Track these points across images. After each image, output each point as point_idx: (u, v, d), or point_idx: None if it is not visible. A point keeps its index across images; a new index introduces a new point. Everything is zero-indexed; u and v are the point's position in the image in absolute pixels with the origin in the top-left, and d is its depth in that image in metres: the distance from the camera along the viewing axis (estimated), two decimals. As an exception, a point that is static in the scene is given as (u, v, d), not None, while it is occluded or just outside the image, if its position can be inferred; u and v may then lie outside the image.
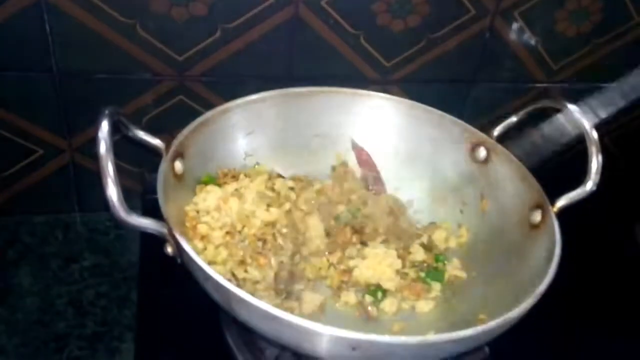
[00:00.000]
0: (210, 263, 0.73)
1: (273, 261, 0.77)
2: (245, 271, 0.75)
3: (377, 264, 0.81)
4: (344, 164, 0.94)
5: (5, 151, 0.92)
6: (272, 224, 0.81)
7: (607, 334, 0.92)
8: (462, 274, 0.84)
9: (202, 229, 0.76)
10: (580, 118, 0.76)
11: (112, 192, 0.58)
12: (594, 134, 0.75)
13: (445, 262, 0.86)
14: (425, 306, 0.80)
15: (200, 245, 0.75)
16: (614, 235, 1.11)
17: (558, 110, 0.80)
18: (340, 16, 0.92)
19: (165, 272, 0.74)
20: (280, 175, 0.90)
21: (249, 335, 0.78)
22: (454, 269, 0.85)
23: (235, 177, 0.84)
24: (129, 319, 0.86)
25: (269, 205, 0.82)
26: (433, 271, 0.84)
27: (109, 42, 0.85)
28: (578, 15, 1.02)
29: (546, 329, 0.87)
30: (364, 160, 0.95)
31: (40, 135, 0.92)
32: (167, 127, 0.79)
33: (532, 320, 0.64)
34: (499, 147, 0.85)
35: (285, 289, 0.77)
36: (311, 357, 0.73)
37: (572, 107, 0.77)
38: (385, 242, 0.86)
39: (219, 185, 0.82)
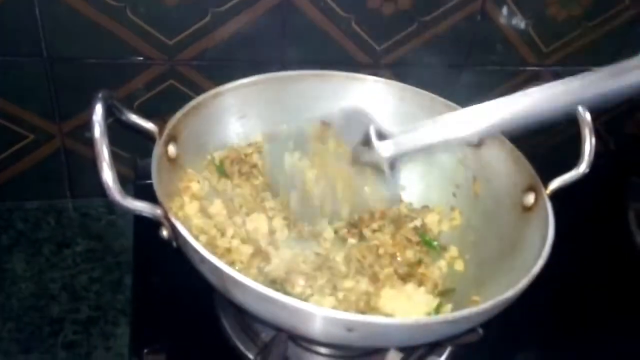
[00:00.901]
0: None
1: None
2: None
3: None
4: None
5: (-4, 136, 0.92)
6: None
7: (600, 317, 0.93)
8: (460, 265, 0.84)
9: (195, 187, 0.77)
10: None
11: (108, 175, 0.58)
12: (587, 116, 0.75)
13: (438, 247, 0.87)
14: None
15: (187, 199, 0.76)
16: (605, 219, 1.12)
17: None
18: (331, -1, 0.92)
19: (159, 256, 0.74)
20: None
21: (245, 318, 0.79)
22: (451, 257, 0.85)
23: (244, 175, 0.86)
24: (123, 303, 0.86)
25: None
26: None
27: (99, 26, 0.85)
28: (569, -2, 1.02)
29: (539, 311, 0.87)
30: None
31: (31, 121, 0.92)
32: (157, 112, 0.79)
33: (526, 302, 0.64)
34: (492, 130, 0.86)
35: None
36: (307, 339, 0.74)
37: None
38: (380, 228, 0.86)
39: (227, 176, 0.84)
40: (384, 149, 0.73)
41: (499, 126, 0.69)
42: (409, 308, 0.74)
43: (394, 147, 0.72)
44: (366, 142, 0.74)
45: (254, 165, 0.87)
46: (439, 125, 0.70)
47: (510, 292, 0.61)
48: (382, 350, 0.78)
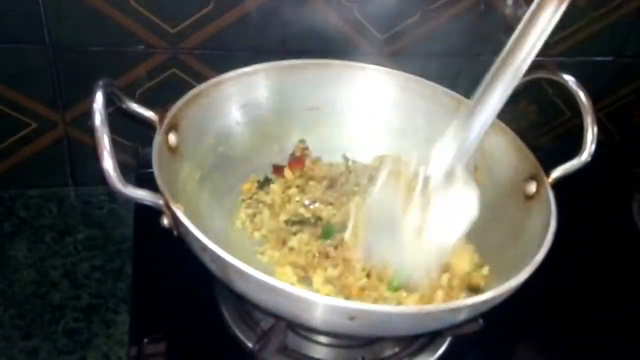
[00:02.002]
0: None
1: None
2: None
3: None
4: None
5: (-2, 124, 0.92)
6: None
7: (602, 307, 0.93)
8: None
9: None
10: (576, 89, 0.76)
11: (108, 164, 0.58)
12: (589, 104, 0.75)
13: None
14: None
15: None
16: (609, 210, 1.12)
17: (552, 82, 0.80)
18: (334, -12, 0.92)
19: (159, 245, 0.74)
20: None
21: (244, 307, 0.79)
22: None
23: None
24: (124, 291, 0.86)
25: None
26: None
27: (102, 14, 0.85)
28: (574, -13, 1.01)
29: (539, 301, 0.86)
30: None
31: (34, 109, 0.91)
32: (159, 101, 0.78)
33: (526, 292, 0.64)
34: (495, 119, 0.85)
35: None
36: (306, 328, 0.74)
37: (568, 78, 0.77)
38: None
39: None
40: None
41: None
42: None
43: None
44: None
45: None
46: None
47: (514, 281, 0.61)
48: (381, 340, 0.78)
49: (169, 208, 0.63)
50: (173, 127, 0.75)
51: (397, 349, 0.78)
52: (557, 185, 0.75)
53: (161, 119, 0.73)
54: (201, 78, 0.89)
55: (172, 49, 0.91)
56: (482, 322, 0.73)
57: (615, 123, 1.24)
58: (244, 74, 0.86)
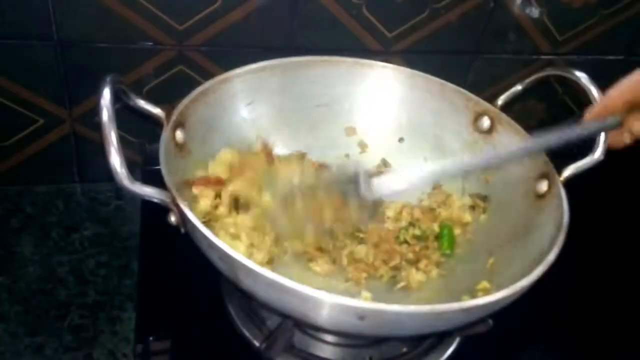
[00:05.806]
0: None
1: None
2: None
3: None
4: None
5: (6, 120, 0.91)
6: None
7: (612, 306, 0.92)
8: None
9: None
10: (588, 85, 0.75)
11: (116, 160, 0.57)
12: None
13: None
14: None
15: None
16: (618, 209, 1.11)
17: (562, 80, 0.79)
18: (343, -15, 0.91)
19: (166, 242, 0.74)
20: None
21: (251, 305, 0.78)
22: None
23: None
24: (130, 288, 0.86)
25: None
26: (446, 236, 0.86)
27: (110, 10, 0.85)
28: (585, -15, 1.01)
29: (549, 302, 0.86)
30: None
31: (41, 105, 0.91)
32: (167, 98, 0.78)
33: (536, 291, 0.63)
34: (504, 116, 0.85)
35: None
36: (314, 327, 0.74)
37: (580, 74, 0.76)
38: None
39: None
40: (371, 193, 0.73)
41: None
42: None
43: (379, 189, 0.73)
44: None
45: None
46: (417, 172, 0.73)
47: (525, 280, 0.61)
48: (389, 340, 0.77)
49: (177, 205, 0.62)
50: (180, 124, 0.74)
51: (405, 349, 0.77)
52: (566, 185, 0.75)
53: (168, 115, 0.73)
54: (208, 75, 0.89)
55: (180, 45, 0.91)
56: (491, 322, 0.72)
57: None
58: (251, 70, 0.86)
